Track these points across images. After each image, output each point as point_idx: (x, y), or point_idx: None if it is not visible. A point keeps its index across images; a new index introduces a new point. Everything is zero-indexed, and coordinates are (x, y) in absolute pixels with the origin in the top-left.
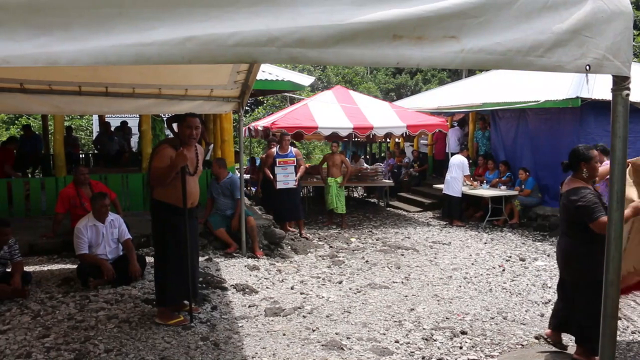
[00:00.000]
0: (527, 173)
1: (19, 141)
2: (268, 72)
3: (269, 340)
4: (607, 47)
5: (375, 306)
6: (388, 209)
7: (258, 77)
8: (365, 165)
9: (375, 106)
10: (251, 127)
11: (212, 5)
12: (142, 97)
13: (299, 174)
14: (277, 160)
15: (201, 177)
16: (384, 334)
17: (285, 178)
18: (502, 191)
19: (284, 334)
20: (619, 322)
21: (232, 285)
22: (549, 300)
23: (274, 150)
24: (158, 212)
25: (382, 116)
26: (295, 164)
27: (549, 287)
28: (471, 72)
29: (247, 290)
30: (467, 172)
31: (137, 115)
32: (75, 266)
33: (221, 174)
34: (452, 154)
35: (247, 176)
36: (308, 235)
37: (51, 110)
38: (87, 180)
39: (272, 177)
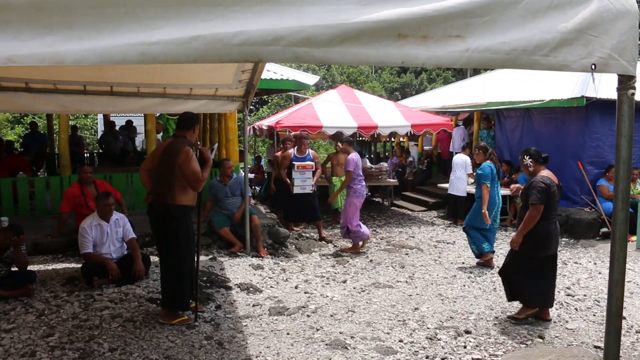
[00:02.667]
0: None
1: (25, 139)
2: (273, 71)
3: (273, 340)
4: (612, 46)
5: (379, 305)
6: (392, 208)
7: (263, 77)
8: (369, 164)
9: (380, 105)
10: (255, 126)
11: (218, 4)
12: (147, 96)
13: (315, 178)
14: (296, 164)
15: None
16: (388, 333)
17: (303, 183)
18: (506, 190)
19: (288, 333)
20: (623, 322)
21: (236, 284)
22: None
23: (291, 151)
24: (179, 216)
25: (387, 115)
26: (313, 168)
27: None
28: (476, 72)
29: (251, 289)
30: (470, 171)
31: (142, 115)
32: (79, 265)
33: (232, 174)
34: (456, 153)
35: (251, 175)
36: (328, 237)
37: (56, 110)
38: (91, 179)
39: (288, 180)
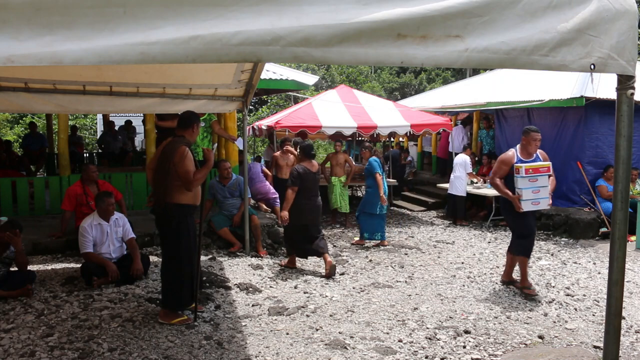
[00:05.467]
0: None
1: (24, 139)
2: (272, 71)
3: (272, 340)
4: (611, 46)
5: (378, 305)
6: (392, 208)
7: (262, 76)
8: None
9: (379, 105)
10: (255, 126)
11: (217, 4)
12: (146, 96)
13: (551, 187)
14: (523, 167)
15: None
16: (388, 333)
17: (535, 195)
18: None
19: (288, 333)
20: (622, 322)
21: (236, 284)
22: (553, 300)
23: (512, 153)
24: (178, 215)
25: (386, 115)
26: (549, 171)
27: (553, 287)
28: (475, 72)
29: (250, 289)
30: (470, 170)
31: (142, 115)
32: (79, 265)
33: (228, 176)
34: (456, 154)
35: None
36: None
37: (55, 110)
38: (95, 178)
39: (510, 194)
